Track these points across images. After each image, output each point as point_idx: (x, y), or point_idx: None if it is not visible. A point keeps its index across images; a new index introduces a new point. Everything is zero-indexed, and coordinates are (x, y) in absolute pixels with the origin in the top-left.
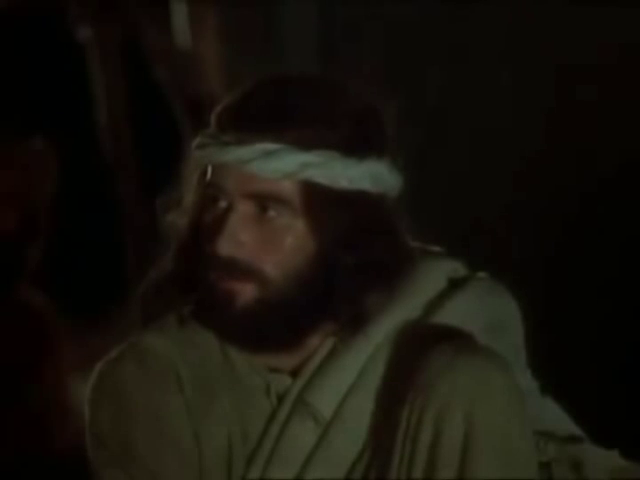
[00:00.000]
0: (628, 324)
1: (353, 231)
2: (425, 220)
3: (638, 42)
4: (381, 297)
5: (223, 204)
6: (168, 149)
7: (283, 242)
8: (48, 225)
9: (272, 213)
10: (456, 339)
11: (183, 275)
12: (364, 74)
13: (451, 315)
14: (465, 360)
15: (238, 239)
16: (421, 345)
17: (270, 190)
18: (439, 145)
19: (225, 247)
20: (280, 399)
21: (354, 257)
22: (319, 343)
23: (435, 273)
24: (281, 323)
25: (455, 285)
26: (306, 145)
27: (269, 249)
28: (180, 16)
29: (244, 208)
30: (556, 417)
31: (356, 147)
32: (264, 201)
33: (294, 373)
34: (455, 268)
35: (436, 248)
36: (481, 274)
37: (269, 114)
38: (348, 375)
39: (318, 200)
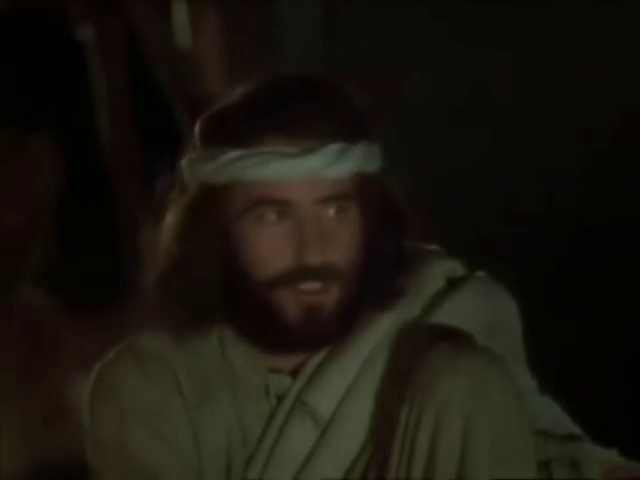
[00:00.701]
0: (628, 323)
1: (384, 214)
2: (425, 220)
3: None
4: (404, 281)
5: (273, 217)
6: (168, 149)
7: (350, 237)
8: (49, 225)
9: (339, 211)
10: (455, 339)
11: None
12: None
13: (450, 315)
14: (464, 360)
15: (323, 245)
16: (420, 345)
17: (337, 190)
18: (439, 145)
19: (315, 256)
20: (279, 399)
21: (388, 241)
22: None
23: (434, 273)
24: (350, 317)
25: (454, 285)
26: (352, 138)
27: (341, 246)
28: (180, 16)
29: (316, 213)
30: (555, 416)
31: (370, 133)
32: (333, 202)
33: (294, 373)
34: (454, 267)
35: (435, 248)
36: (479, 273)
37: (311, 116)
38: (347, 375)
39: (366, 189)
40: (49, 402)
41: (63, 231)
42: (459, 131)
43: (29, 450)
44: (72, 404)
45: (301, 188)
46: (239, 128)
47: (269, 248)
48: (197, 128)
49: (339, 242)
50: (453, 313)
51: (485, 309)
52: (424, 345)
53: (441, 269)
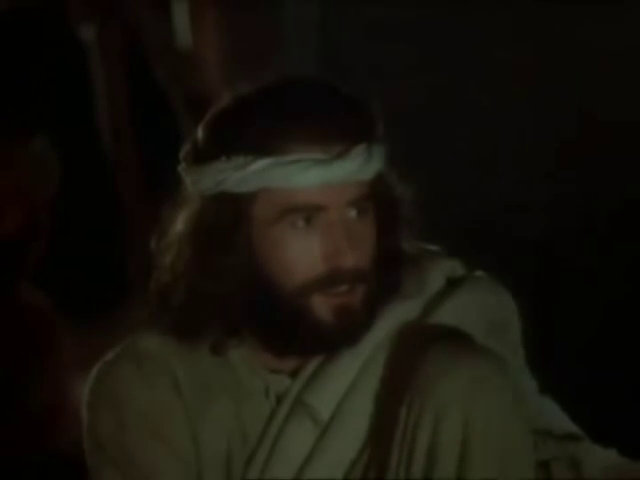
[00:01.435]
0: (627, 322)
1: (389, 213)
2: (425, 220)
3: None
4: (404, 281)
5: (301, 223)
6: (168, 149)
7: (370, 237)
8: (48, 225)
9: (360, 212)
10: (455, 339)
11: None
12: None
13: (450, 314)
14: (464, 360)
15: (352, 248)
16: (420, 345)
17: (362, 192)
18: (438, 145)
19: (348, 260)
20: (279, 400)
21: (393, 240)
22: None
23: (434, 273)
24: (374, 314)
25: (454, 284)
26: (372, 138)
27: (366, 247)
28: (180, 16)
29: (342, 216)
30: (555, 416)
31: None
32: (360, 203)
33: (293, 374)
34: (453, 267)
35: (435, 248)
36: (479, 273)
37: (335, 119)
38: (347, 376)
39: (380, 188)
40: (48, 402)
41: (63, 231)
42: (458, 131)
43: (29, 449)
44: (71, 404)
45: (332, 192)
46: (265, 135)
47: (300, 254)
48: (208, 134)
49: (364, 243)
50: (453, 313)
51: (485, 309)
52: (424, 345)
53: (441, 269)
